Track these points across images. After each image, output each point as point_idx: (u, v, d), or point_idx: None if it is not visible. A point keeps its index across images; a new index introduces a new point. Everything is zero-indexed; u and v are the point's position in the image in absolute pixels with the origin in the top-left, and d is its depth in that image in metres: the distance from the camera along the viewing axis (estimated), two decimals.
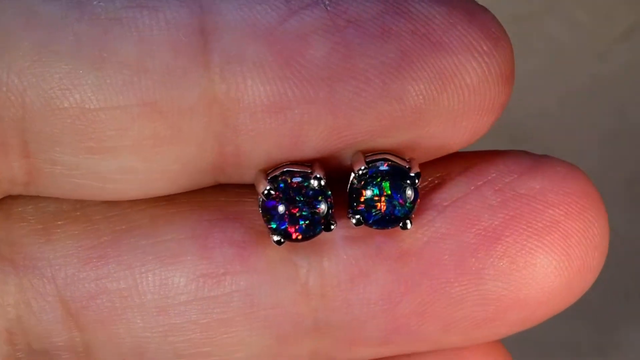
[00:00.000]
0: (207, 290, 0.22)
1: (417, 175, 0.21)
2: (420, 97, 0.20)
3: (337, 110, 0.20)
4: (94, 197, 0.22)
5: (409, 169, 0.21)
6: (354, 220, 0.21)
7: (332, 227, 0.21)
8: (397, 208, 0.21)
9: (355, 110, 0.20)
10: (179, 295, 0.22)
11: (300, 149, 0.21)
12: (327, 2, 0.20)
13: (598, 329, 0.44)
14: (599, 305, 0.43)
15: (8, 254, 0.22)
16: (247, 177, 0.21)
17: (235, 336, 0.22)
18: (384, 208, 0.21)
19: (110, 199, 0.22)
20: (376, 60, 0.20)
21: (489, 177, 0.22)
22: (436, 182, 0.22)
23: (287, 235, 0.21)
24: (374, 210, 0.21)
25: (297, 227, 0.21)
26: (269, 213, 0.21)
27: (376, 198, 0.21)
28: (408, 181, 0.21)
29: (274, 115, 0.20)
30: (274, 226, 0.21)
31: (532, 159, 0.22)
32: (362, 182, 0.21)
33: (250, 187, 0.22)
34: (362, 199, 0.21)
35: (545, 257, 0.21)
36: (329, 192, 0.21)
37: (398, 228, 0.22)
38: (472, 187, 0.22)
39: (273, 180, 0.21)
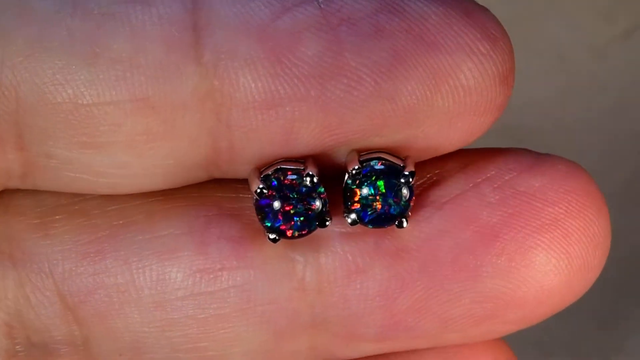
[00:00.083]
0: (203, 285, 0.22)
1: (412, 173, 0.21)
2: (413, 97, 0.20)
3: (328, 108, 0.20)
4: (89, 190, 0.22)
5: (404, 168, 0.21)
6: (349, 220, 0.21)
7: (327, 223, 0.21)
8: (393, 207, 0.21)
9: (347, 108, 0.20)
10: (176, 291, 0.22)
11: (293, 146, 0.21)
12: (320, 0, 0.20)
13: (599, 329, 0.44)
14: (600, 305, 0.43)
15: (6, 248, 0.22)
16: (241, 172, 0.21)
17: (232, 331, 0.22)
18: (379, 207, 0.21)
19: (105, 193, 0.22)
20: (368, 59, 0.20)
21: (488, 175, 0.22)
22: (435, 179, 0.22)
23: (281, 233, 0.21)
24: (369, 210, 0.21)
25: (291, 225, 0.21)
26: (263, 211, 0.21)
27: (371, 197, 0.21)
28: (402, 180, 0.21)
29: (266, 112, 0.20)
30: (268, 224, 0.21)
31: (533, 156, 0.22)
32: (357, 182, 0.21)
33: (247, 183, 0.21)
34: (356, 198, 0.21)
35: (545, 255, 0.21)
36: (322, 189, 0.21)
37: (394, 226, 0.21)
38: (471, 184, 0.22)
39: (266, 179, 0.21)
